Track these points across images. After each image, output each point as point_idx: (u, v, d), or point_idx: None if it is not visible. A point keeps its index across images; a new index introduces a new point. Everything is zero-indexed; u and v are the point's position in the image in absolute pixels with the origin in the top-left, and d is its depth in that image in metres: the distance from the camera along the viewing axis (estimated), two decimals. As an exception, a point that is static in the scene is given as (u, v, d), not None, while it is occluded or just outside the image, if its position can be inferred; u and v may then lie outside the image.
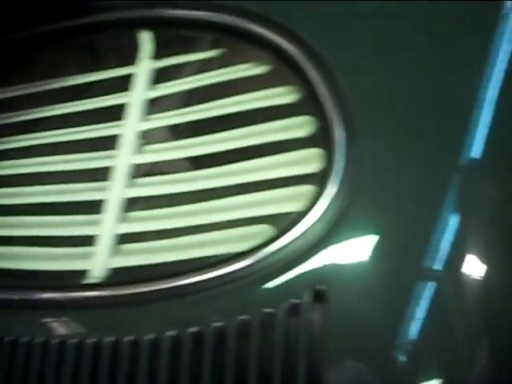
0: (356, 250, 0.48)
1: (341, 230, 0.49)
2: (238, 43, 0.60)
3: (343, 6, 0.57)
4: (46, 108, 0.68)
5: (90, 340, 0.52)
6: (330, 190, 0.50)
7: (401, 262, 0.48)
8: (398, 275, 0.48)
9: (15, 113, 0.72)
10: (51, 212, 0.62)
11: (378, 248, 0.48)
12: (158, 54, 0.63)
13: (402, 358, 0.45)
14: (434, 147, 0.51)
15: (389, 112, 0.53)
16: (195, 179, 0.57)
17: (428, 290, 0.46)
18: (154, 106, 0.62)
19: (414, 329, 0.45)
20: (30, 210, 0.63)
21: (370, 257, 0.48)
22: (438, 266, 0.47)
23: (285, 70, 0.57)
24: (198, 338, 0.49)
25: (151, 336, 0.50)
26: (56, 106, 0.68)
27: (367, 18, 0.56)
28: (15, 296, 0.58)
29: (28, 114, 0.70)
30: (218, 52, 0.61)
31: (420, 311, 0.46)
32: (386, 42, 0.55)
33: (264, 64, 0.59)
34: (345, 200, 0.50)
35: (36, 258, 0.60)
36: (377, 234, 0.49)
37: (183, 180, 0.57)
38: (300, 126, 0.55)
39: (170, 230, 0.56)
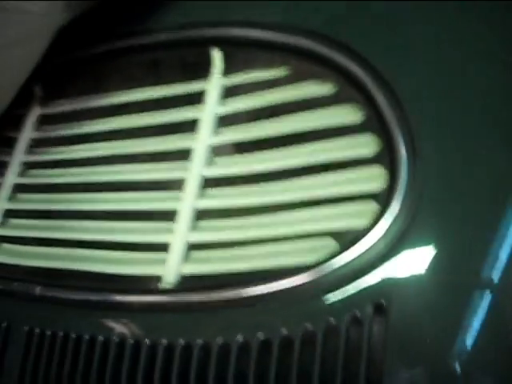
0: (416, 266, 0.50)
1: (402, 246, 0.51)
2: (304, 63, 0.63)
3: (410, 30, 0.59)
4: (121, 119, 0.73)
5: (163, 342, 0.56)
6: (393, 208, 0.52)
7: (459, 274, 0.50)
8: (456, 287, 0.50)
9: (89, 122, 0.76)
10: (125, 218, 0.66)
11: (437, 263, 0.50)
12: (228, 72, 0.66)
13: (458, 368, 0.47)
14: (496, 163, 0.53)
15: (451, 132, 0.54)
16: (263, 193, 0.60)
17: (485, 301, 0.48)
18: (224, 121, 0.65)
19: (470, 340, 0.47)
20: (106, 216, 0.67)
21: (430, 272, 0.50)
22: (496, 277, 0.48)
23: (350, 90, 0.59)
24: (265, 344, 0.52)
25: (221, 341, 0.53)
26: (130, 118, 0.72)
27: (434, 42, 0.58)
28: (93, 297, 0.62)
29: (103, 124, 0.74)
30: (284, 71, 0.64)
31: (477, 322, 0.48)
32: (450, 66, 0.57)
33: (329, 83, 0.61)
34: (407, 218, 0.52)
35: (111, 261, 0.64)
36: (437, 250, 0.51)
37: (252, 193, 0.60)
38: (364, 145, 0.57)
39: (239, 241, 0.59)
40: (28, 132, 0.81)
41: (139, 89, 0.72)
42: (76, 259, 0.66)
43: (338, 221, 0.56)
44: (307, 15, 0.65)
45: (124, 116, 0.72)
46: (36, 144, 0.81)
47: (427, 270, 0.50)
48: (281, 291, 0.54)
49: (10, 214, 0.78)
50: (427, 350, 0.49)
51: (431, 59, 0.57)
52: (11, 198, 0.79)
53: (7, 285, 0.69)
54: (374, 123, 0.57)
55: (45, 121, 0.82)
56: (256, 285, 0.55)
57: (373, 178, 0.56)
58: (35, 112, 0.82)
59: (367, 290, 0.51)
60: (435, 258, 0.50)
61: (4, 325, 0.67)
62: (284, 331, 0.52)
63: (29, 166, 0.80)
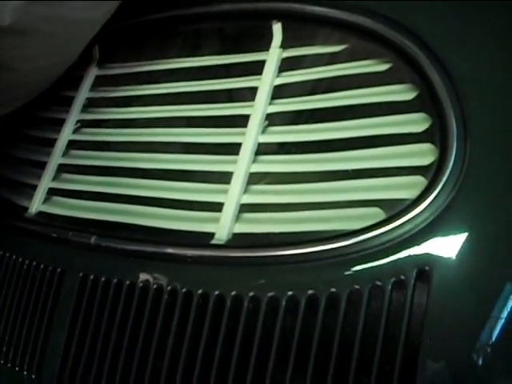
0: (459, 238, 0.53)
1: (447, 219, 0.54)
2: (361, 40, 0.65)
3: (468, 10, 0.61)
4: (179, 84, 0.76)
5: (214, 293, 0.59)
6: (440, 182, 0.55)
7: (498, 256, 0.52)
8: (492, 269, 0.52)
9: (146, 85, 0.80)
10: (181, 178, 0.69)
11: (479, 238, 0.53)
12: (287, 45, 0.69)
13: (480, 359, 0.50)
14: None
15: (503, 113, 0.56)
16: (315, 161, 0.63)
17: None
18: (281, 91, 0.68)
19: (497, 330, 0.50)
20: (162, 175, 0.71)
21: (471, 245, 0.53)
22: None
23: (405, 69, 0.62)
24: (312, 300, 0.55)
25: (270, 294, 0.57)
26: (188, 83, 0.75)
27: (492, 24, 0.60)
28: (148, 248, 0.65)
29: (160, 87, 0.78)
30: (342, 47, 0.66)
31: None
32: (506, 47, 0.58)
33: (385, 62, 0.63)
34: (452, 192, 0.54)
35: (167, 218, 0.67)
36: (480, 225, 0.53)
37: (304, 161, 0.63)
38: (415, 122, 0.60)
39: (289, 205, 0.62)
40: (84, 92, 0.85)
41: (198, 56, 0.75)
42: (131, 214, 0.70)
43: (386, 191, 0.59)
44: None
45: (182, 81, 0.76)
46: (92, 103, 0.84)
47: (469, 243, 0.53)
48: (328, 251, 0.57)
49: (64, 168, 0.82)
50: (463, 320, 0.51)
51: (487, 40, 0.59)
52: (65, 154, 0.83)
53: (62, 234, 0.73)
54: (427, 101, 0.59)
55: (101, 82, 0.85)
56: (304, 244, 0.58)
57: (422, 154, 0.58)
58: (92, 73, 0.86)
59: (412, 256, 0.54)
60: (478, 232, 0.53)
61: (59, 270, 0.71)
62: (331, 289, 0.55)
63: (84, 124, 0.84)
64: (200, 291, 0.60)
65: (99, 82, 0.85)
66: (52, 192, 0.81)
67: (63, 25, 0.71)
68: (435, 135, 0.58)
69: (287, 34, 0.70)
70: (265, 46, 0.70)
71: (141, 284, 0.64)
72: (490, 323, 0.50)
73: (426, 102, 0.60)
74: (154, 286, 0.63)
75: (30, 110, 0.91)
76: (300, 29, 0.70)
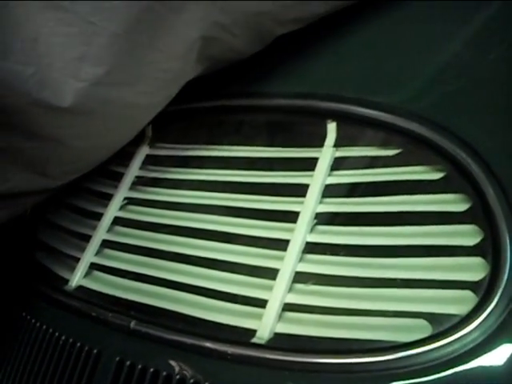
0: (507, 362, 0.52)
1: (497, 340, 0.53)
2: (415, 146, 0.66)
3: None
4: (229, 172, 0.77)
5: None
6: (492, 300, 0.54)
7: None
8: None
9: (195, 170, 0.81)
10: (226, 269, 0.69)
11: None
12: (339, 144, 0.70)
13: None
14: None
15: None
16: (363, 266, 0.62)
17: None
18: (330, 190, 0.68)
19: None
20: (207, 263, 0.70)
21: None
22: None
23: (458, 178, 0.62)
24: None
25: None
26: (238, 173, 0.76)
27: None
28: (187, 340, 0.64)
29: (209, 174, 0.79)
30: (395, 151, 0.67)
31: None
32: None
33: (438, 170, 0.64)
34: (505, 311, 0.54)
35: (209, 308, 0.67)
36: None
37: (352, 264, 0.63)
38: (467, 235, 0.59)
39: (334, 308, 0.61)
40: (134, 170, 0.86)
41: (250, 147, 0.76)
42: (173, 300, 0.70)
43: (434, 304, 0.58)
44: (418, 97, 0.68)
45: (232, 170, 0.76)
46: (140, 182, 0.86)
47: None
48: (372, 364, 0.56)
49: (107, 244, 0.82)
50: None
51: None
52: (110, 230, 0.83)
53: (102, 314, 0.73)
54: (479, 214, 0.59)
55: (151, 161, 0.87)
56: (348, 355, 0.57)
57: (472, 268, 0.58)
58: (143, 151, 0.87)
59: (457, 376, 0.53)
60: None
61: (95, 351, 0.70)
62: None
63: (131, 202, 0.85)
64: (236, 393, 0.59)
65: (149, 161, 0.87)
66: (94, 267, 0.81)
67: (122, 108, 0.73)
68: (487, 250, 0.58)
69: (341, 134, 0.70)
70: (316, 142, 0.71)
71: (177, 376, 0.63)
72: None
73: (478, 214, 0.59)
74: (191, 381, 0.62)
75: (78, 181, 0.92)
76: (354, 130, 0.70)
